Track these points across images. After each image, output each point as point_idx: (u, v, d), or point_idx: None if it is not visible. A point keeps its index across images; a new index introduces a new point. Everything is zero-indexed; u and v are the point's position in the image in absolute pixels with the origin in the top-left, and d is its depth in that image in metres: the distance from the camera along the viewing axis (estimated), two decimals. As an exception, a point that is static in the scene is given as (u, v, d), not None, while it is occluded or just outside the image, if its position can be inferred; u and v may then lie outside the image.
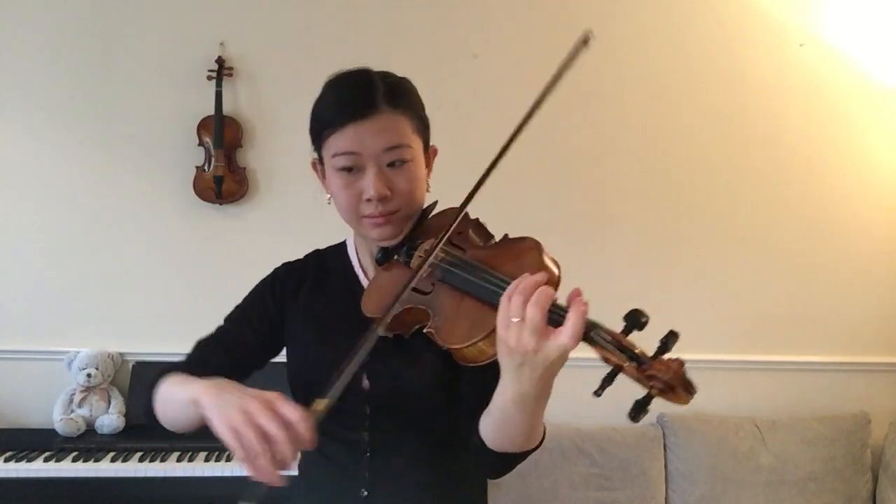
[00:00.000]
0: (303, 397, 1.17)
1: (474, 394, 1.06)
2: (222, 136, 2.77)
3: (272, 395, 0.90)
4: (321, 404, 0.90)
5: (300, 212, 2.84)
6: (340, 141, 1.09)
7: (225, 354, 1.22)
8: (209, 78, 2.78)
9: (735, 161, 3.00)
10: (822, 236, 3.04)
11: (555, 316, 0.86)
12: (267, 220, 2.86)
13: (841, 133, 3.03)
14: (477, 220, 1.12)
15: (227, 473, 2.40)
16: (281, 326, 1.24)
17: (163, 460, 2.43)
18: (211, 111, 2.78)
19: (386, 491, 1.15)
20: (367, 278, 1.21)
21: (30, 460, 2.42)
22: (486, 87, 2.89)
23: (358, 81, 1.13)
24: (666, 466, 2.83)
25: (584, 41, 1.03)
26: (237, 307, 1.28)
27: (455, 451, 1.15)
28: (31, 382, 2.77)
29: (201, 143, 2.80)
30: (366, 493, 1.15)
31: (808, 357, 3.03)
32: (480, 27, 2.91)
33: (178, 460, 2.42)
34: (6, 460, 2.41)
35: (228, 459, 2.44)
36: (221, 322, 1.27)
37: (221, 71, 2.78)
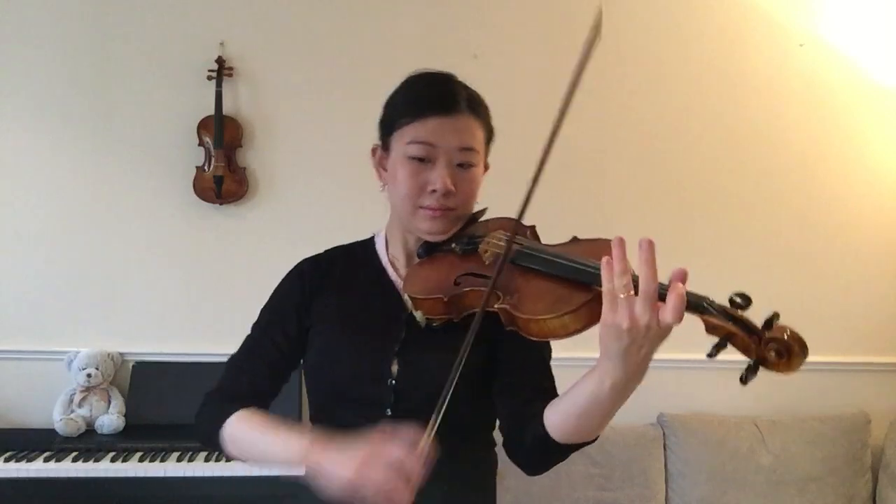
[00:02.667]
0: (325, 390, 1.21)
1: (520, 387, 1.08)
2: (222, 136, 2.77)
3: (385, 434, 0.93)
4: (430, 433, 0.93)
5: (300, 212, 2.85)
6: (420, 130, 1.13)
7: (263, 367, 1.23)
8: (209, 78, 2.77)
9: (735, 161, 3.00)
10: (821, 236, 3.04)
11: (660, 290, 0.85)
12: (267, 220, 2.85)
13: (841, 133, 3.04)
14: (533, 227, 1.16)
15: (227, 473, 2.40)
16: (308, 320, 1.24)
17: (163, 460, 2.43)
18: (211, 111, 2.78)
19: None
20: (397, 274, 1.23)
21: (30, 460, 2.41)
22: (486, 87, 2.87)
23: (443, 81, 1.20)
24: (666, 466, 2.83)
25: (596, 27, 1.04)
26: (263, 312, 1.28)
27: (470, 445, 1.17)
28: (31, 382, 2.77)
29: (201, 143, 2.80)
30: None
31: (809, 357, 3.02)
32: (480, 27, 2.91)
33: (178, 460, 2.42)
34: (6, 460, 2.40)
35: (229, 460, 2.43)
36: (249, 332, 1.28)
37: (221, 71, 2.78)
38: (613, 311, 0.84)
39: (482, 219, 1.21)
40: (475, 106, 1.17)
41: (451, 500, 1.17)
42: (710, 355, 0.84)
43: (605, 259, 0.86)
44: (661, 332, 0.84)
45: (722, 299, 0.85)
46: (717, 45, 2.98)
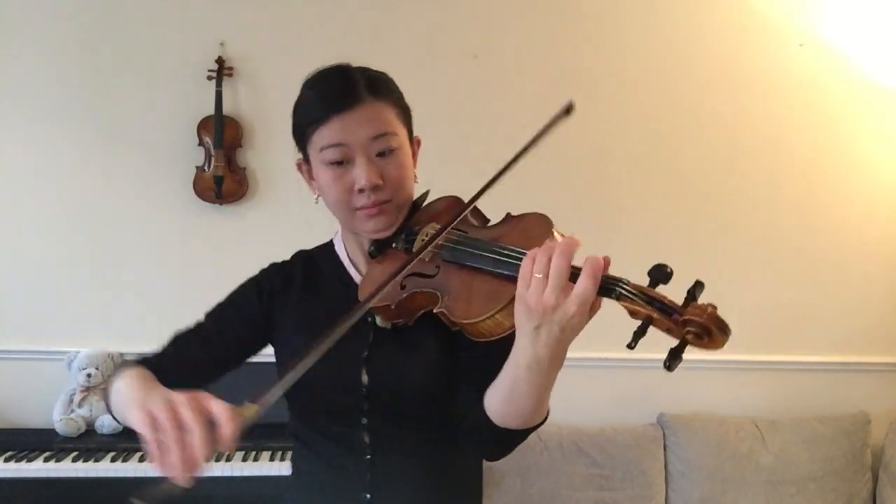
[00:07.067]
0: (298, 400, 1.18)
1: (477, 375, 1.05)
2: (222, 136, 2.77)
3: (201, 392, 0.85)
4: (251, 409, 0.84)
5: (300, 212, 2.84)
6: (327, 134, 1.09)
7: (201, 350, 1.20)
8: (209, 78, 2.78)
9: (735, 161, 3.00)
10: (821, 235, 3.04)
11: (574, 273, 0.84)
12: (267, 220, 2.86)
13: (841, 133, 3.03)
14: (475, 207, 1.11)
15: (226, 473, 2.40)
16: (265, 327, 1.22)
17: (163, 460, 2.43)
18: (211, 111, 2.78)
19: (388, 492, 1.14)
20: (360, 274, 1.20)
21: (30, 460, 2.42)
22: (486, 87, 2.88)
23: (337, 75, 1.13)
24: (666, 466, 2.83)
25: (567, 110, 1.02)
26: (219, 304, 1.26)
27: (452, 445, 1.14)
28: (31, 382, 2.77)
29: (201, 143, 2.80)
30: (368, 496, 1.14)
31: (808, 357, 3.03)
32: (480, 27, 2.91)
33: (178, 460, 2.42)
34: (6, 460, 2.41)
35: (228, 459, 2.43)
36: (201, 317, 1.25)
37: (221, 71, 2.78)
38: (525, 289, 0.84)
39: (427, 202, 1.17)
40: (377, 88, 1.11)
41: (437, 494, 1.16)
42: (630, 346, 0.82)
43: (530, 253, 0.86)
44: (572, 311, 0.82)
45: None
46: (717, 45, 2.98)
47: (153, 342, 2.99)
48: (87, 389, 2.67)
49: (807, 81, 3.00)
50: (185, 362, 1.19)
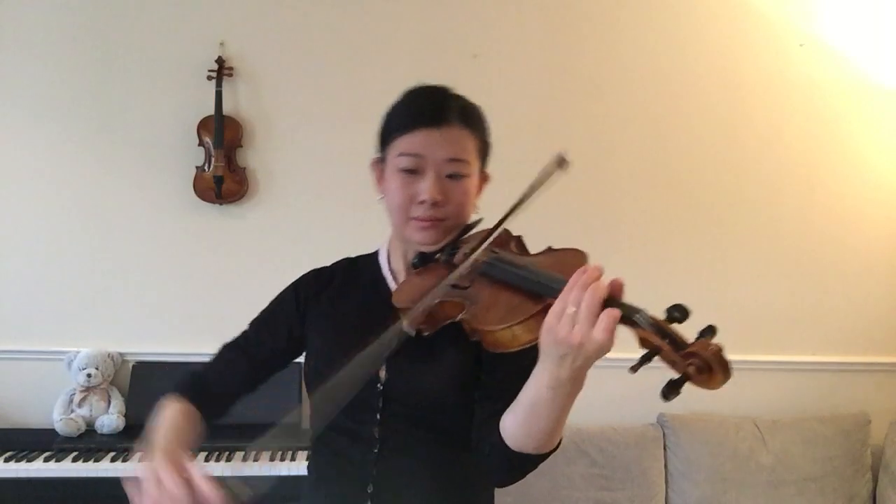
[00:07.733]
0: (319, 398, 1.21)
1: (495, 396, 1.08)
2: (222, 136, 2.77)
3: (187, 463, 1.01)
4: (239, 487, 1.00)
5: (300, 212, 2.84)
6: (408, 142, 1.15)
7: (245, 359, 1.29)
8: (209, 78, 2.78)
9: (735, 161, 3.00)
10: (821, 236, 3.04)
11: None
12: (267, 220, 2.85)
13: (841, 133, 3.04)
14: (520, 237, 1.17)
15: (226, 473, 2.40)
16: (301, 330, 1.28)
17: (163, 460, 2.43)
18: (211, 111, 2.78)
19: (392, 488, 1.17)
20: (396, 282, 1.25)
21: (30, 460, 2.42)
22: (486, 87, 2.88)
23: (435, 93, 1.20)
24: (666, 466, 2.84)
25: (559, 163, 1.06)
26: (262, 311, 1.33)
27: (463, 453, 1.17)
28: (31, 382, 2.77)
29: (201, 143, 2.80)
30: (371, 488, 1.17)
31: (808, 357, 3.03)
32: (480, 27, 2.91)
33: (178, 460, 2.42)
34: (6, 460, 2.41)
35: (228, 459, 2.44)
36: (245, 326, 1.32)
37: (221, 71, 2.78)
38: (557, 320, 0.87)
39: (477, 228, 1.21)
40: (468, 118, 1.17)
41: (441, 497, 1.18)
42: (633, 369, 0.85)
43: (580, 269, 0.89)
44: (596, 352, 0.87)
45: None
46: (717, 45, 2.98)
47: (153, 342, 3.01)
48: (87, 389, 2.67)
49: (807, 81, 3.00)
50: (232, 372, 1.29)
